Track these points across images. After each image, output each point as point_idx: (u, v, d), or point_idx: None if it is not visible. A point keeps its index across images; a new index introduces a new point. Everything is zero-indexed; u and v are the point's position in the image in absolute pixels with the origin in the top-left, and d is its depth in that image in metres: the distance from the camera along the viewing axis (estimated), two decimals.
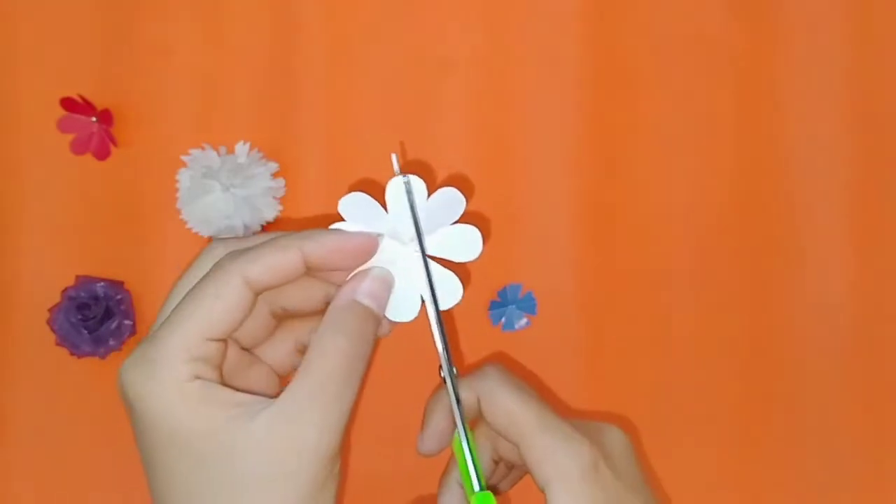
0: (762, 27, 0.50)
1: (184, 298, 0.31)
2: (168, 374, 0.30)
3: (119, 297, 0.48)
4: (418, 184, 0.34)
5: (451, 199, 0.34)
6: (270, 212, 0.48)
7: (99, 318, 0.47)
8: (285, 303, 0.35)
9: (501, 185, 0.49)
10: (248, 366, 0.35)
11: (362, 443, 0.48)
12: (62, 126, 0.48)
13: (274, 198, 0.48)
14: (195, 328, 0.31)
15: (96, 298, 0.47)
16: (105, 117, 0.48)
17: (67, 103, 0.48)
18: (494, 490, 0.36)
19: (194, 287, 0.32)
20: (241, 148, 0.48)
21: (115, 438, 0.48)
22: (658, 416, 0.49)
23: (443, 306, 0.35)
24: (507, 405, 0.34)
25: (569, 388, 0.49)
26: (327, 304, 0.35)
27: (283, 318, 0.36)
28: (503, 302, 0.48)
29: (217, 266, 0.32)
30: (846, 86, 0.50)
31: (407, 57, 0.50)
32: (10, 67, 0.49)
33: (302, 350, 0.37)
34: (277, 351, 0.36)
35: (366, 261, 0.34)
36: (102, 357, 0.48)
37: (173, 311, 0.31)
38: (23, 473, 0.48)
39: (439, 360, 0.35)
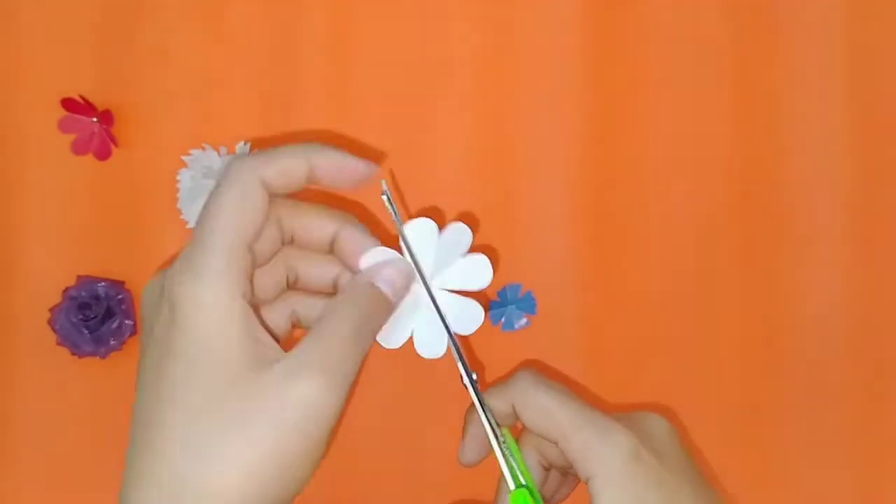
0: (762, 27, 0.50)
1: (214, 207, 0.32)
2: (218, 286, 0.31)
3: (120, 296, 0.48)
4: (430, 225, 0.36)
5: (460, 233, 0.36)
6: None
7: (100, 317, 0.47)
8: (302, 271, 0.37)
9: (501, 185, 0.49)
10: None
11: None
12: (63, 126, 0.48)
13: None
14: (234, 233, 0.31)
15: (97, 298, 0.47)
16: (106, 117, 0.48)
17: (68, 103, 0.48)
18: (547, 501, 0.37)
19: (220, 195, 0.32)
20: (242, 148, 0.48)
21: (116, 438, 0.48)
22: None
23: (467, 331, 0.37)
24: (541, 404, 0.35)
25: (568, 388, 0.48)
26: (335, 286, 0.37)
27: (291, 287, 0.37)
28: (503, 302, 0.48)
29: (234, 170, 0.33)
30: (846, 86, 0.50)
31: (407, 57, 0.50)
32: (10, 67, 0.50)
33: (296, 322, 0.38)
34: (274, 315, 0.37)
35: (363, 182, 0.35)
36: (103, 357, 0.48)
37: (205, 218, 0.32)
38: (24, 473, 0.48)
39: (460, 371, 0.36)
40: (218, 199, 0.32)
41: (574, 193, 0.49)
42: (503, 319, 0.48)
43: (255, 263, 0.33)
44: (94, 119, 0.48)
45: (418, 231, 0.36)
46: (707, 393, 0.49)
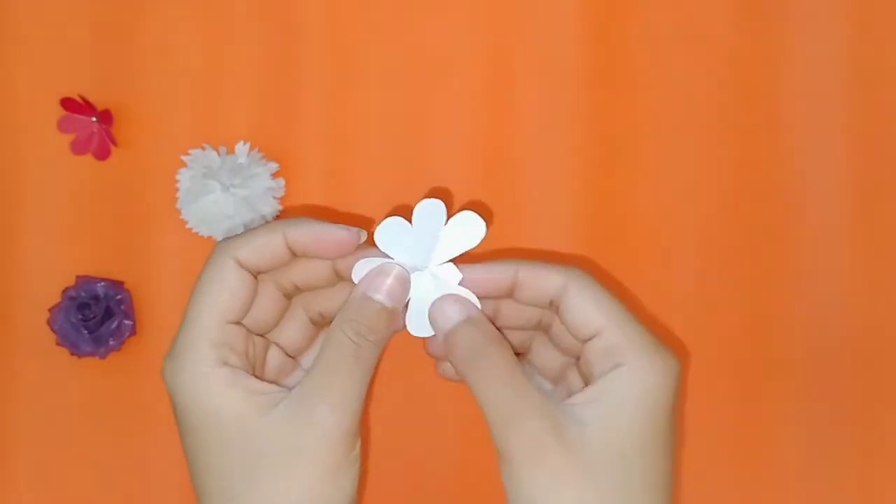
0: (762, 27, 0.50)
1: (193, 291, 0.34)
2: (196, 361, 0.32)
3: (119, 296, 0.48)
4: (399, 222, 0.36)
5: (433, 210, 0.36)
6: (270, 212, 0.48)
7: (99, 317, 0.47)
8: (321, 308, 0.37)
9: (501, 185, 0.49)
10: (291, 370, 0.37)
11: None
12: (62, 126, 0.48)
13: (274, 198, 0.48)
14: (208, 313, 0.33)
15: (96, 298, 0.47)
16: (105, 117, 0.48)
17: (68, 103, 0.48)
18: None
19: (199, 278, 0.34)
20: (242, 148, 0.48)
21: (115, 438, 0.48)
22: None
23: (472, 245, 0.36)
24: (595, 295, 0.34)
25: None
26: None
27: (322, 324, 0.38)
28: None
29: (211, 255, 0.34)
30: (847, 86, 0.50)
31: (407, 57, 0.50)
32: (10, 67, 0.50)
33: None
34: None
35: (347, 253, 0.35)
36: (103, 357, 0.48)
37: (188, 304, 0.34)
38: (23, 474, 0.48)
39: None
40: (197, 284, 0.34)
41: (574, 194, 0.49)
42: None
43: (250, 331, 0.34)
44: (94, 119, 0.48)
45: (392, 230, 0.36)
46: (707, 393, 0.49)
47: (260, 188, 0.47)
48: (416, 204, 0.36)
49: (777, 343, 0.49)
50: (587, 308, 0.34)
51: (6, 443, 0.48)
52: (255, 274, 0.34)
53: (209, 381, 0.32)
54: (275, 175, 0.48)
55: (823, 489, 0.48)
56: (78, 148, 0.49)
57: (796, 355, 0.49)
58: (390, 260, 0.35)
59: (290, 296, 0.36)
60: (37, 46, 0.49)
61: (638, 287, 0.49)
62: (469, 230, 0.36)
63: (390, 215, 0.35)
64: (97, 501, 0.48)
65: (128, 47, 0.49)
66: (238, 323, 0.34)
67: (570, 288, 0.34)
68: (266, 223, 0.35)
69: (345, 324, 0.34)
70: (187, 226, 0.48)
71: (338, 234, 0.34)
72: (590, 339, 0.34)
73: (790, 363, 0.49)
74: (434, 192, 0.49)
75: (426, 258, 0.36)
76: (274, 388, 0.33)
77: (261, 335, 0.36)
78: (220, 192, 0.46)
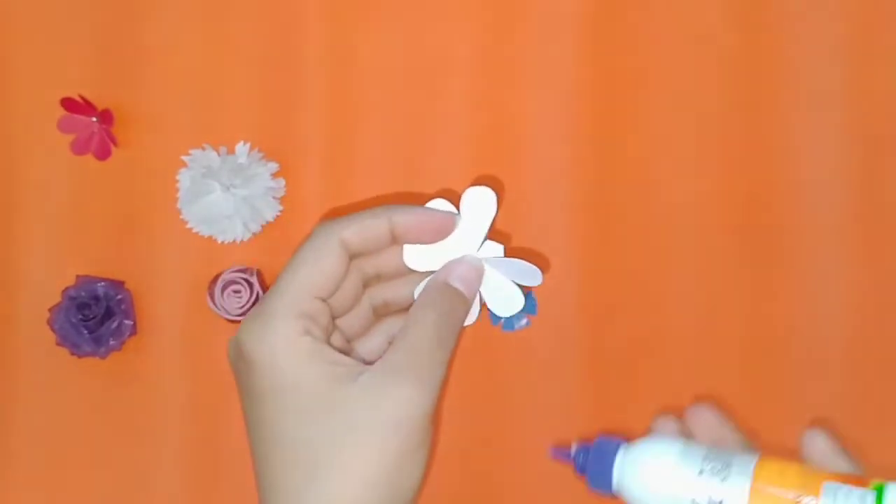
0: (762, 27, 0.50)
1: (290, 262, 0.34)
2: (282, 327, 0.32)
3: (119, 296, 0.48)
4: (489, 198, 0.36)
5: (482, 198, 0.36)
6: (270, 212, 0.48)
7: (99, 317, 0.47)
8: (388, 297, 0.37)
9: (501, 185, 0.49)
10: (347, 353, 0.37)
11: None
12: (63, 126, 0.48)
13: (274, 198, 0.48)
14: (302, 285, 0.33)
15: (97, 298, 0.47)
16: (105, 117, 0.48)
17: (68, 103, 0.48)
18: None
19: (298, 251, 0.34)
20: (242, 148, 0.48)
21: (115, 438, 0.48)
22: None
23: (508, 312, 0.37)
24: None
25: (569, 388, 0.49)
26: None
27: (382, 313, 0.38)
28: None
29: (315, 231, 0.35)
30: (846, 86, 0.50)
31: (407, 57, 0.50)
32: (10, 67, 0.50)
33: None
34: (372, 342, 0.38)
35: (444, 237, 0.36)
36: (103, 357, 0.48)
37: (282, 273, 0.34)
38: (23, 473, 0.48)
39: None
40: (296, 255, 0.34)
41: (575, 194, 0.49)
42: (503, 319, 0.48)
43: (331, 311, 0.35)
44: (94, 119, 0.48)
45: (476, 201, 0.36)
46: (706, 393, 0.49)
47: (260, 188, 0.47)
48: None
49: (778, 345, 0.49)
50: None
51: (6, 443, 0.48)
52: (352, 256, 0.35)
53: (293, 348, 0.32)
54: (275, 175, 0.48)
55: None
56: (78, 148, 0.49)
57: (797, 356, 0.49)
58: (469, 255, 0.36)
59: (368, 285, 0.37)
60: (37, 46, 0.50)
61: (638, 288, 0.49)
62: (483, 204, 0.36)
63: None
64: (97, 501, 0.48)
65: (128, 47, 0.49)
66: (324, 300, 0.34)
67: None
68: (369, 208, 0.35)
69: (428, 307, 0.34)
70: (187, 226, 0.48)
71: (440, 219, 0.36)
72: None
73: (791, 364, 0.49)
74: (438, 194, 0.49)
75: (475, 245, 0.36)
76: (351, 360, 0.33)
77: (333, 317, 0.36)
78: (221, 192, 0.46)
